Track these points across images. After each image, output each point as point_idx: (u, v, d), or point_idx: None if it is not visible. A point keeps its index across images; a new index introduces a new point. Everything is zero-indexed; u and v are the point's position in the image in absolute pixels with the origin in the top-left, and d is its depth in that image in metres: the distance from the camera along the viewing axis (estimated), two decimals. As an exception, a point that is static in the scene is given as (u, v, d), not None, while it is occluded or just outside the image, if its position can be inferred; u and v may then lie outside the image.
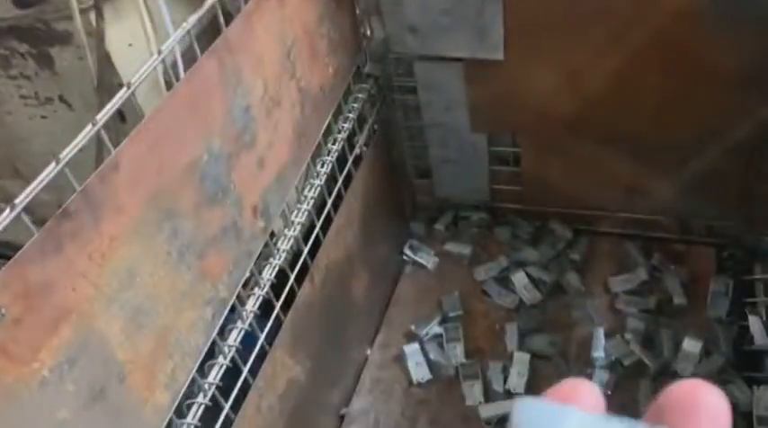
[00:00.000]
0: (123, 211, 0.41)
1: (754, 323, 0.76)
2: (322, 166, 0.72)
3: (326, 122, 0.71)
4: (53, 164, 0.36)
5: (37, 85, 0.77)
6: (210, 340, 0.53)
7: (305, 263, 0.69)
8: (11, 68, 0.75)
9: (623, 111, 0.80)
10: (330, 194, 0.75)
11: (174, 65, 0.48)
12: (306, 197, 0.70)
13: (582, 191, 0.91)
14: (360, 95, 0.79)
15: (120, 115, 0.65)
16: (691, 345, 0.76)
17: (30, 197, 0.35)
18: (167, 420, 0.49)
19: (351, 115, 0.77)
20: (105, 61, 0.68)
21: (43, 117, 0.80)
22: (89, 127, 0.38)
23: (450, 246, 0.98)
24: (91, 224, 0.39)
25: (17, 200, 0.34)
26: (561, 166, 0.90)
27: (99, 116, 0.38)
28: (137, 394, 0.45)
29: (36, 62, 0.74)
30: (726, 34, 0.71)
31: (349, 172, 0.79)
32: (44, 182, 0.35)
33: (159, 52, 0.44)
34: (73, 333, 0.38)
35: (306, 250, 0.70)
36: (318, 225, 0.72)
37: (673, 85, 0.76)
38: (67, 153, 0.36)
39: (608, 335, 0.83)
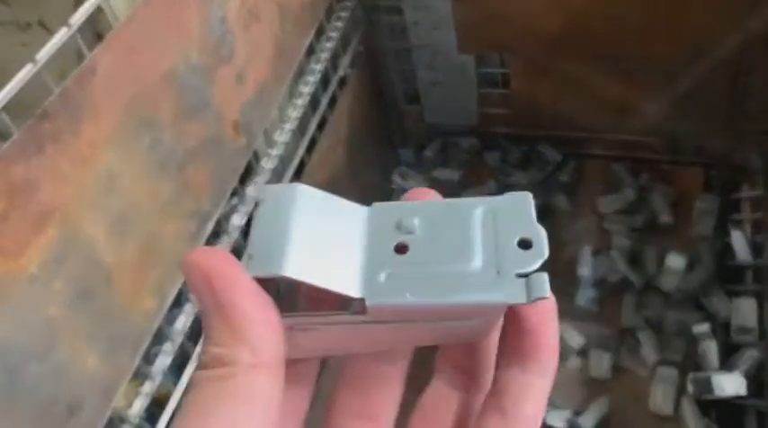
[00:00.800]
0: (102, 116, 0.43)
1: (737, 238, 0.78)
2: (305, 86, 0.74)
3: (308, 41, 0.73)
4: (29, 65, 0.38)
5: (15, 11, 0.78)
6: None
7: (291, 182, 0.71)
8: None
9: (609, 27, 0.82)
10: (315, 115, 0.77)
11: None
12: (289, 117, 0.72)
13: (570, 112, 0.93)
14: (342, 14, 0.80)
15: (96, 36, 0.66)
16: (674, 261, 0.79)
17: (7, 98, 0.37)
18: (156, 325, 0.52)
19: (333, 35, 0.78)
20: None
21: (23, 45, 0.81)
22: (64, 29, 0.40)
23: (439, 172, 1.00)
24: (70, 127, 0.41)
25: (-4, 100, 0.36)
26: (549, 87, 0.91)
27: (72, 19, 0.40)
28: (124, 297, 0.48)
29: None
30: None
31: (334, 94, 0.81)
32: (21, 84, 0.37)
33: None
34: (58, 232, 0.41)
35: (291, 171, 0.72)
36: (303, 147, 0.74)
37: (657, 0, 0.77)
38: (44, 55, 0.38)
39: (595, 254, 0.85)
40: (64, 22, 0.64)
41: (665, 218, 0.87)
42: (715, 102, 0.85)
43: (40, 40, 0.79)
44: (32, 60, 0.38)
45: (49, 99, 0.39)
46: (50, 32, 0.79)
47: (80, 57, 0.44)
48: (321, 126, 0.79)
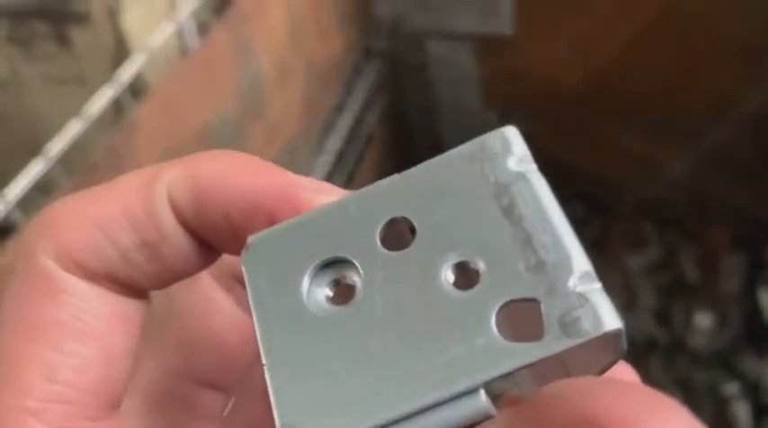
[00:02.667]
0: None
1: (765, 297, 0.79)
2: (332, 143, 0.77)
3: (335, 99, 0.76)
4: (77, 120, 0.41)
5: (56, 67, 0.82)
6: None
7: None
8: (31, 50, 0.81)
9: (634, 84, 0.84)
10: (342, 171, 0.79)
11: (185, 33, 0.53)
12: (316, 173, 0.75)
13: (595, 169, 0.95)
14: (370, 72, 0.84)
15: (131, 88, 0.70)
16: (702, 320, 0.79)
17: (60, 153, 0.40)
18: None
19: (360, 92, 0.82)
20: (122, 40, 0.74)
21: (62, 98, 0.85)
22: (109, 85, 0.43)
23: (464, 227, 1.02)
24: (113, 178, 0.44)
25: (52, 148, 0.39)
26: (574, 144, 0.94)
27: (119, 75, 0.43)
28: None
29: (55, 43, 0.79)
30: (735, 3, 0.74)
31: (361, 151, 0.84)
32: (72, 138, 0.40)
33: (173, 20, 0.49)
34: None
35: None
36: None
37: (682, 56, 0.80)
38: (95, 111, 0.42)
39: (621, 312, 0.86)
40: (101, 77, 0.68)
41: (693, 276, 0.88)
42: (740, 158, 0.87)
43: (78, 95, 0.84)
44: (80, 115, 0.41)
45: (96, 152, 0.42)
46: (86, 87, 0.84)
47: (117, 110, 0.48)
48: (348, 181, 0.81)
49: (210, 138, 0.54)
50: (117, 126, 0.44)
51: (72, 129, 0.40)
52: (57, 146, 0.39)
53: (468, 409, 0.12)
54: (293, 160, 0.68)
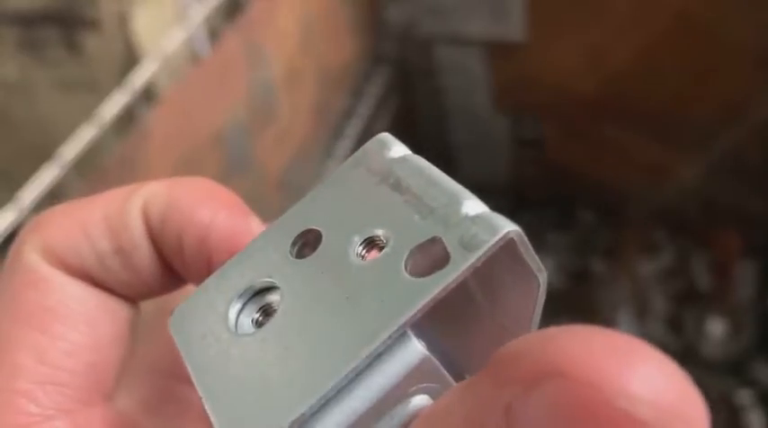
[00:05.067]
0: (153, 174, 0.47)
1: (779, 304, 0.79)
2: (342, 147, 0.78)
3: (345, 104, 0.77)
4: (91, 126, 0.41)
5: (64, 73, 0.83)
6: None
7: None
8: (41, 55, 0.81)
9: (645, 90, 0.84)
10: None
11: (196, 39, 0.53)
12: (326, 176, 0.75)
13: (606, 175, 0.95)
14: (379, 78, 0.84)
15: (144, 97, 0.71)
16: (714, 327, 0.79)
17: (75, 159, 0.41)
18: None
19: (370, 97, 0.82)
20: (132, 46, 0.74)
21: (72, 103, 0.86)
22: (122, 91, 0.43)
23: (474, 233, 1.02)
24: (126, 184, 0.44)
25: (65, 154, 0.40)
26: (585, 150, 0.94)
27: (132, 81, 0.44)
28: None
29: (66, 49, 0.80)
30: (747, 11, 0.75)
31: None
32: (85, 144, 0.41)
33: (184, 26, 0.50)
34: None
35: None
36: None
37: (694, 63, 0.80)
38: (107, 116, 0.42)
39: (632, 320, 0.86)
40: (111, 83, 0.68)
41: (705, 282, 0.88)
42: (752, 164, 0.87)
43: (88, 100, 0.85)
44: (92, 120, 0.41)
45: (109, 158, 0.42)
46: (97, 93, 0.85)
47: (130, 115, 0.48)
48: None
49: (222, 144, 0.54)
50: (129, 132, 0.44)
51: (85, 135, 0.40)
52: (70, 151, 0.39)
53: (401, 356, 0.13)
54: (303, 165, 0.69)
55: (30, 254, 0.17)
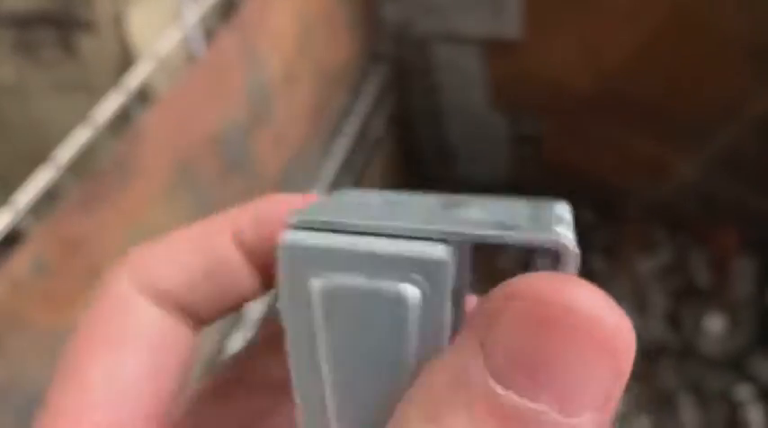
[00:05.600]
0: (149, 176, 0.46)
1: (777, 299, 0.79)
2: (340, 146, 0.77)
3: (342, 103, 0.76)
4: (86, 128, 0.41)
5: (57, 74, 0.83)
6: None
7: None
8: (37, 57, 0.81)
9: (643, 87, 0.84)
10: (349, 175, 0.79)
11: (192, 40, 0.53)
12: (324, 176, 0.75)
13: (604, 172, 0.95)
14: (376, 77, 0.84)
15: (139, 98, 0.71)
16: (713, 323, 0.79)
17: (70, 161, 0.40)
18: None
19: (367, 96, 0.82)
20: (127, 47, 0.74)
21: (68, 104, 0.85)
22: (118, 92, 0.43)
23: (472, 232, 1.02)
24: (120, 186, 0.44)
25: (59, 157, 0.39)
26: (583, 147, 0.94)
27: (127, 82, 0.43)
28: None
29: (61, 50, 0.79)
30: (743, 5, 0.74)
31: (368, 154, 0.84)
32: (80, 145, 0.40)
33: (179, 27, 0.49)
34: (106, 286, 0.43)
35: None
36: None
37: (691, 59, 0.80)
38: (101, 118, 0.42)
39: (631, 316, 0.86)
40: (106, 84, 0.68)
41: (704, 279, 0.87)
42: (750, 160, 0.87)
43: (83, 102, 0.85)
44: (87, 122, 0.41)
45: (104, 159, 0.42)
46: (92, 94, 0.84)
47: (125, 117, 0.48)
48: (355, 185, 0.81)
49: (218, 144, 0.54)
50: (125, 133, 0.44)
51: (80, 136, 0.40)
52: (65, 153, 0.39)
53: (430, 248, 0.14)
54: (301, 164, 0.68)
55: (118, 280, 0.18)
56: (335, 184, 0.77)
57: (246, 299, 0.19)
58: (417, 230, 0.14)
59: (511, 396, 0.12)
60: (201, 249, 0.18)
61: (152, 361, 0.17)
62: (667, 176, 0.92)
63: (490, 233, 0.14)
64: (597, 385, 0.13)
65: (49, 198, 0.41)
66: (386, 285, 0.14)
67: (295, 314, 0.15)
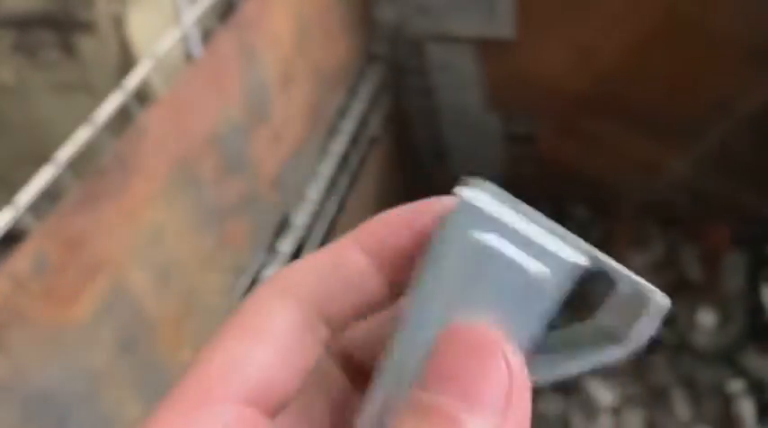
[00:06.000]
0: (150, 174, 0.47)
1: (767, 296, 0.79)
2: (336, 145, 0.78)
3: (339, 103, 0.77)
4: (87, 127, 0.41)
5: (59, 75, 0.83)
6: (233, 306, 0.59)
7: (322, 240, 0.74)
8: (37, 58, 0.81)
9: (635, 86, 0.85)
10: (345, 175, 0.80)
11: (190, 40, 0.53)
12: (320, 174, 0.75)
13: (598, 170, 0.96)
14: (372, 77, 0.84)
15: (137, 95, 0.71)
16: (705, 318, 0.80)
17: (70, 159, 0.41)
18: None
19: (364, 95, 0.82)
20: (126, 47, 0.74)
21: (68, 105, 0.86)
22: (118, 92, 0.43)
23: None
24: (121, 184, 0.44)
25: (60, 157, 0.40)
26: (577, 146, 0.94)
27: (127, 83, 0.44)
28: (164, 349, 0.50)
29: (61, 51, 0.80)
30: (736, 5, 0.75)
31: (364, 153, 0.85)
32: (82, 144, 0.41)
33: (178, 28, 0.50)
34: (107, 283, 0.44)
35: (323, 228, 0.75)
36: (335, 203, 0.78)
37: (684, 58, 0.81)
38: (102, 117, 0.42)
39: (625, 312, 0.87)
40: (106, 85, 0.68)
41: (695, 274, 0.88)
42: (741, 158, 0.88)
43: (83, 102, 0.85)
44: (88, 122, 0.41)
45: (105, 158, 0.42)
46: (92, 94, 0.85)
47: (125, 116, 0.48)
48: (352, 183, 0.82)
49: (217, 143, 0.54)
50: (125, 132, 0.44)
51: (81, 136, 0.40)
52: (66, 152, 0.39)
53: (570, 251, 0.18)
54: (298, 163, 0.69)
55: (263, 288, 0.20)
56: (333, 183, 0.77)
57: (376, 307, 0.20)
58: (567, 237, 0.19)
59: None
60: (335, 262, 0.20)
61: (278, 357, 0.19)
62: (659, 174, 0.92)
63: (615, 265, 0.19)
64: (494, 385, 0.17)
65: (50, 196, 0.42)
66: (533, 266, 0.18)
67: (446, 250, 0.18)
